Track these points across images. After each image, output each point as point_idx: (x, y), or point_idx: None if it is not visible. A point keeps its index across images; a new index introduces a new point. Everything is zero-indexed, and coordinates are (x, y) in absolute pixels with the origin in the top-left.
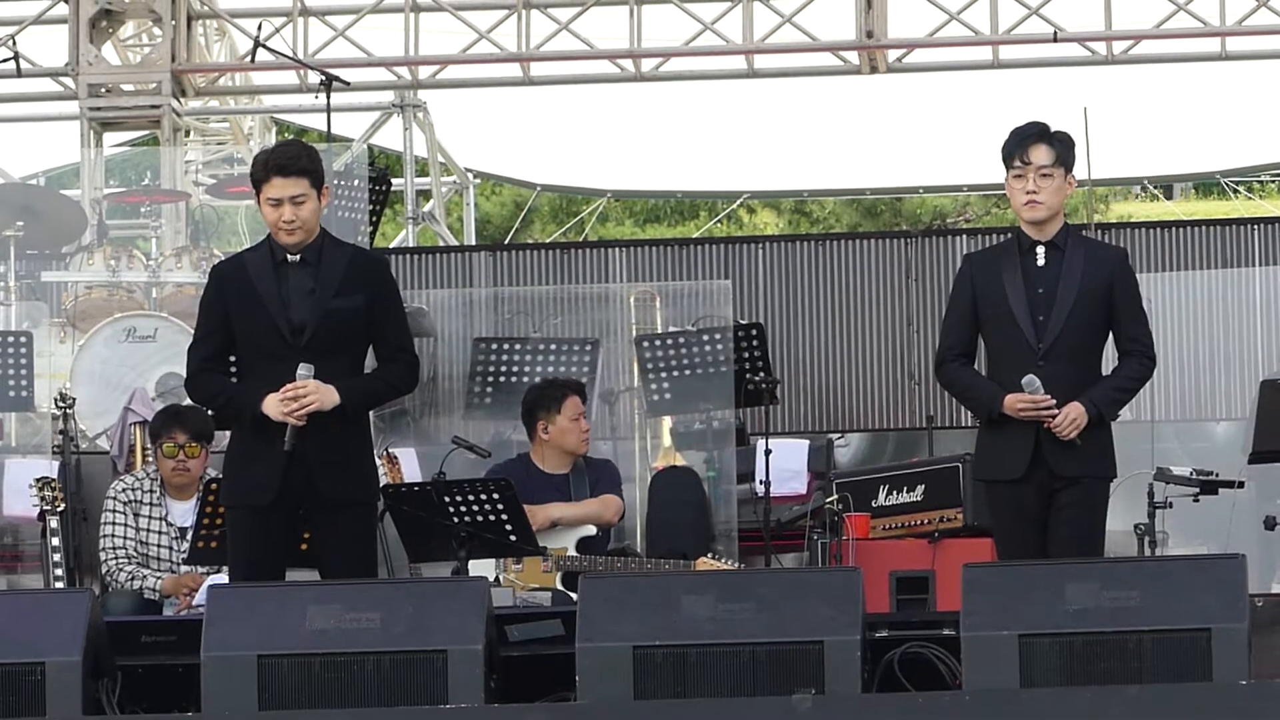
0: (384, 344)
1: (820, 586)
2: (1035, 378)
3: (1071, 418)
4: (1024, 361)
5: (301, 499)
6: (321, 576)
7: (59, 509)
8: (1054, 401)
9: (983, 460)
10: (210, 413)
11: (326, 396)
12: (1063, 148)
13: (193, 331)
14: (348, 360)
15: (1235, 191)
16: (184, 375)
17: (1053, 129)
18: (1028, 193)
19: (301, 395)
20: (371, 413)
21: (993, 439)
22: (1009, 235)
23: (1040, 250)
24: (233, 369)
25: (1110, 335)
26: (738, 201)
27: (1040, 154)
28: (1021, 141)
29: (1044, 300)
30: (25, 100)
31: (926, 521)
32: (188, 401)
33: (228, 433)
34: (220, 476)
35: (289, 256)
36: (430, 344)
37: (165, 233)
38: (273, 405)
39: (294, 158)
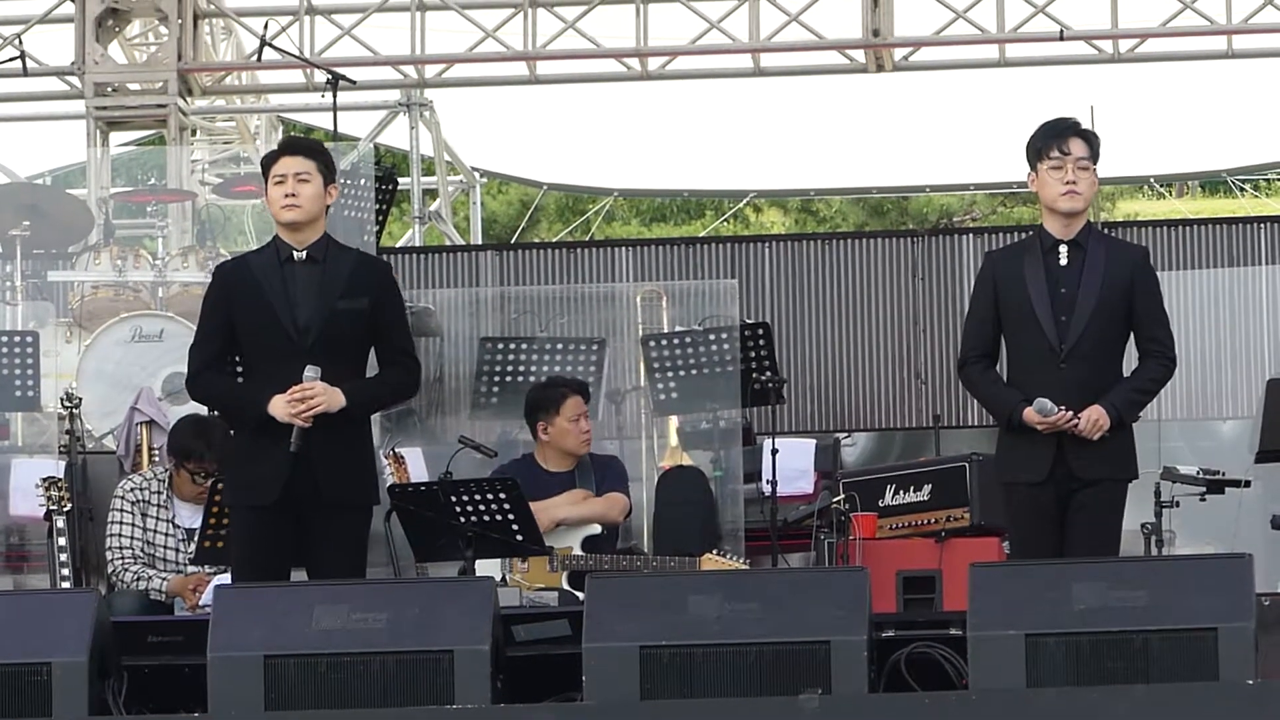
0: (386, 347)
1: (827, 586)
2: (1046, 400)
3: (1093, 419)
4: (1045, 362)
5: (303, 500)
6: (309, 576)
7: (65, 509)
8: (1070, 414)
9: (1005, 461)
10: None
11: (333, 399)
12: (1094, 144)
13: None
14: (351, 363)
15: (1241, 190)
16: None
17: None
18: (1067, 183)
19: (309, 397)
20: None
21: (1015, 441)
22: (1023, 234)
23: (1063, 249)
24: (236, 369)
25: (1131, 335)
26: (744, 200)
27: (1078, 146)
28: (1060, 133)
29: (1066, 300)
30: (31, 99)
31: (933, 521)
32: (202, 410)
33: None
34: (224, 477)
35: (295, 254)
36: (436, 343)
37: (171, 232)
38: (280, 406)
39: (303, 140)
